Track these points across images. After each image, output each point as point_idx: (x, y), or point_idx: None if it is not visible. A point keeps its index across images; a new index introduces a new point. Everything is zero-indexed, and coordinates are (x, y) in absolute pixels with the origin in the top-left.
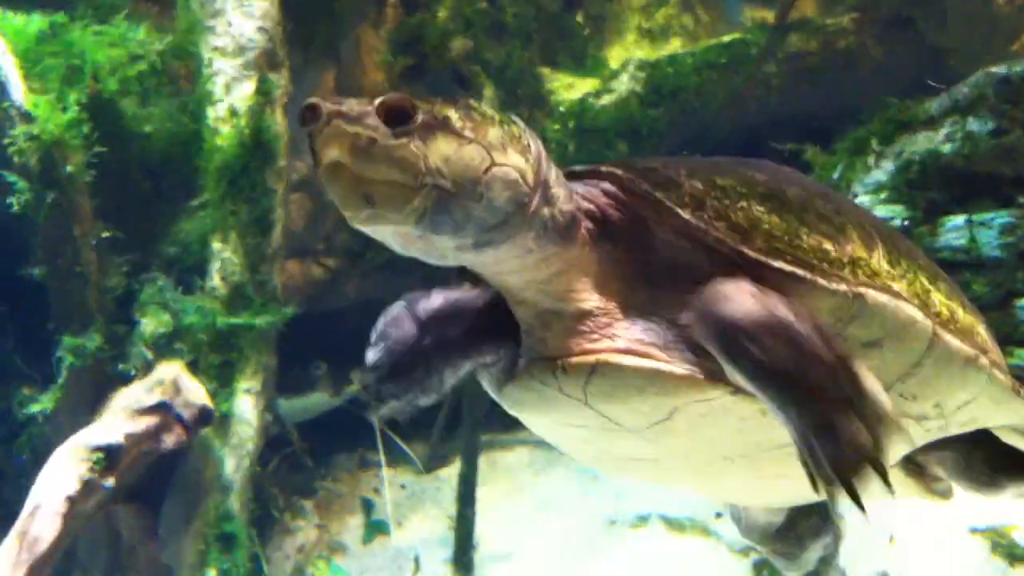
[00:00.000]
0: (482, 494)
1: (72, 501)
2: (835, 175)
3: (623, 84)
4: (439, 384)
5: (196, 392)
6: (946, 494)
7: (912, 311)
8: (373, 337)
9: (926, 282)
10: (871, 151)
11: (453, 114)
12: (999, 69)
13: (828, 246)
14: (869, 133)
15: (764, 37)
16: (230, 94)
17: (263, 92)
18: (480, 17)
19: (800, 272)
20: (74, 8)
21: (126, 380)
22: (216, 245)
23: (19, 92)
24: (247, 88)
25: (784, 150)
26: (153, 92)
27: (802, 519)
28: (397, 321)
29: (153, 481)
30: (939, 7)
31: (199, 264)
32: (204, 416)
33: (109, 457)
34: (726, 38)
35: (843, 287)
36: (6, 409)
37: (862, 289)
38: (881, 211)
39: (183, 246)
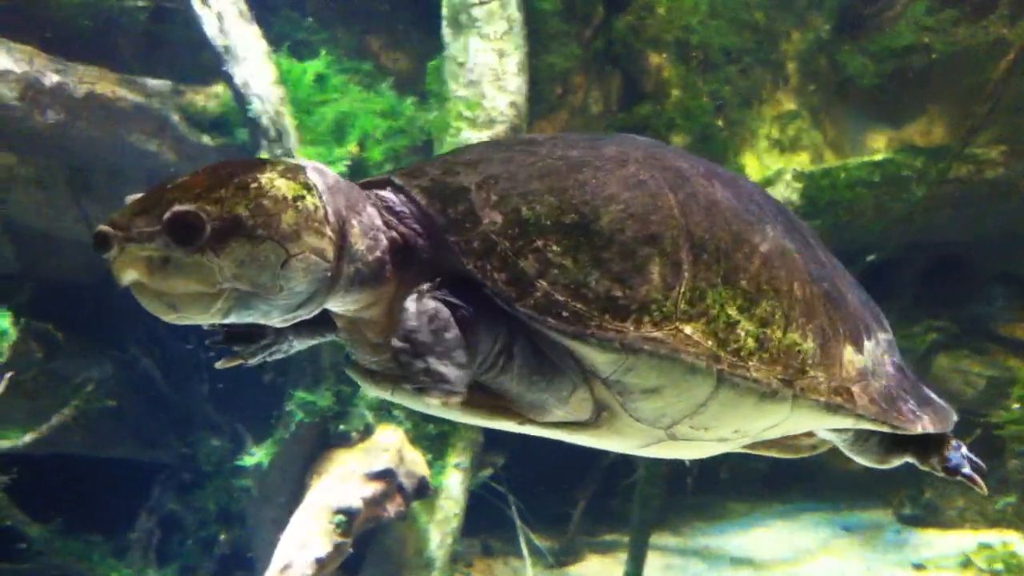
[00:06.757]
0: None
1: (321, 564)
2: None
3: (778, 191)
4: (287, 349)
5: (417, 462)
6: (814, 448)
7: (693, 360)
8: None
9: (736, 312)
10: None
11: (244, 211)
12: None
13: (617, 291)
14: None
15: (912, 158)
16: None
17: None
18: (701, 112)
19: (570, 329)
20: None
21: (341, 442)
22: None
23: (293, 142)
24: None
25: None
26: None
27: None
28: None
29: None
30: None
31: None
32: (422, 488)
33: (348, 521)
34: (878, 156)
35: (615, 343)
36: (191, 456)
37: (637, 344)
38: None
39: None
